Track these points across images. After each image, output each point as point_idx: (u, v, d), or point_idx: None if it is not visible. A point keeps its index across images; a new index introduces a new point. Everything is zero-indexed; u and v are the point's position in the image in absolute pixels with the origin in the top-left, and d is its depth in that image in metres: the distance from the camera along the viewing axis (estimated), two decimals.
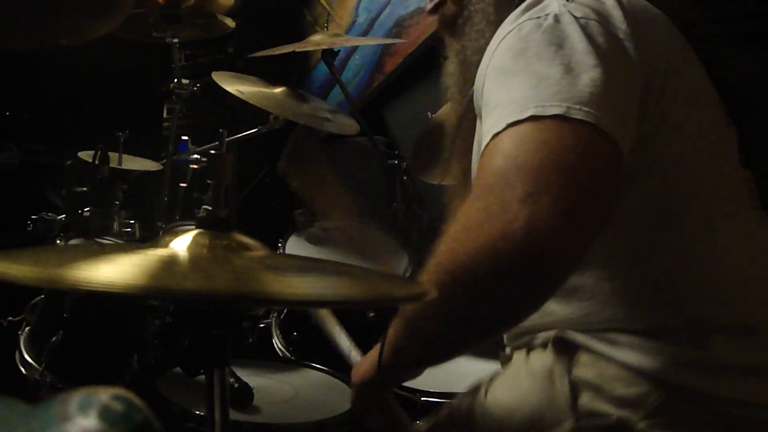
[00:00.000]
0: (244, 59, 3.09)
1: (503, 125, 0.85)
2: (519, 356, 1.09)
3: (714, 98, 1.03)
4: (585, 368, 0.97)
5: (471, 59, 1.11)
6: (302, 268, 0.78)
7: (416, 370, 1.09)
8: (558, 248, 0.81)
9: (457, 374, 1.35)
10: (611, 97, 0.86)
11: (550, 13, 0.92)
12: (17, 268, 0.64)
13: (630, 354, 0.94)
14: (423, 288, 0.78)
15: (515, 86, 0.88)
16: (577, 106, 0.83)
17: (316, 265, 0.87)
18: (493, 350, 1.24)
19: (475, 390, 1.12)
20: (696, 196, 0.97)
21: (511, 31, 0.93)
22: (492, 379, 1.11)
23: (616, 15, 0.93)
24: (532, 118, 0.84)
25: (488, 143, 0.87)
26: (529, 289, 0.86)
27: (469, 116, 1.08)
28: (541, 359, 1.02)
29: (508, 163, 0.84)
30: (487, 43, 1.02)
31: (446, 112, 1.30)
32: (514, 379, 1.06)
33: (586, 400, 0.96)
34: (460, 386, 1.18)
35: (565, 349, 0.99)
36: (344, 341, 1.39)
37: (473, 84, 1.03)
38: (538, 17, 0.92)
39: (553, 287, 0.87)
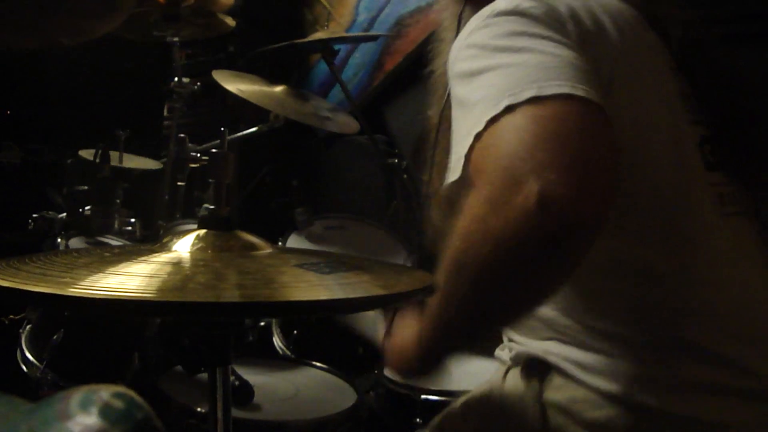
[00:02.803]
0: (245, 58, 3.10)
1: (483, 124, 0.85)
2: (496, 379, 1.10)
3: (672, 98, 1.01)
4: (556, 391, 0.98)
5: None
6: (330, 263, 0.78)
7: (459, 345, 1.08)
8: (576, 215, 0.80)
9: (457, 373, 1.35)
10: (578, 72, 0.86)
11: (504, 7, 0.93)
12: (24, 283, 0.64)
13: (598, 378, 0.94)
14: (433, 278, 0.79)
15: (484, 82, 0.89)
16: (548, 83, 0.84)
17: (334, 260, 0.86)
18: (494, 349, 1.24)
19: (456, 413, 1.13)
20: (657, 207, 0.95)
21: (471, 31, 0.94)
22: (472, 401, 1.12)
23: (564, 12, 0.94)
24: (508, 109, 0.84)
25: (472, 145, 0.87)
26: (556, 261, 0.84)
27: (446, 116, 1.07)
28: (515, 384, 1.04)
29: (501, 152, 0.84)
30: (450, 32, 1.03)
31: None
32: (489, 406, 1.08)
33: (557, 423, 0.97)
34: (460, 385, 1.19)
35: (537, 373, 1.01)
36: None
37: None
38: (493, 13, 0.93)
39: (580, 255, 0.85)
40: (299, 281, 0.73)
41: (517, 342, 1.07)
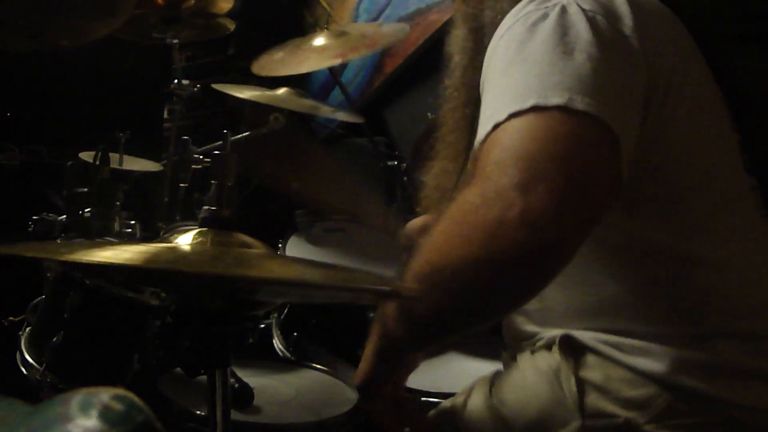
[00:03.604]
0: (244, 61, 3.09)
1: (505, 115, 0.85)
2: (524, 357, 1.08)
3: (719, 102, 1.02)
4: (591, 369, 0.97)
5: (486, 30, 1.09)
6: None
7: (408, 356, 1.08)
8: (553, 237, 0.81)
9: (457, 374, 1.35)
10: (613, 89, 0.86)
11: (558, 3, 0.92)
12: (23, 250, 0.65)
13: (637, 358, 0.94)
14: (404, 288, 0.79)
15: (518, 74, 0.88)
16: (579, 97, 0.83)
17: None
18: (494, 351, 1.24)
19: (479, 388, 1.11)
20: (703, 201, 0.96)
21: (518, 20, 0.93)
22: (497, 377, 1.10)
23: (624, 10, 0.93)
24: (534, 109, 0.83)
25: (490, 133, 0.87)
26: (523, 276, 0.85)
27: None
28: (547, 359, 1.02)
29: (506, 152, 0.84)
30: (502, 19, 1.02)
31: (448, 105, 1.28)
32: (520, 379, 1.06)
33: (593, 400, 0.95)
34: (460, 386, 1.18)
35: (572, 350, 0.99)
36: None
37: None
38: (546, 7, 0.92)
39: (549, 276, 0.86)
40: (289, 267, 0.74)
41: (540, 333, 1.06)
